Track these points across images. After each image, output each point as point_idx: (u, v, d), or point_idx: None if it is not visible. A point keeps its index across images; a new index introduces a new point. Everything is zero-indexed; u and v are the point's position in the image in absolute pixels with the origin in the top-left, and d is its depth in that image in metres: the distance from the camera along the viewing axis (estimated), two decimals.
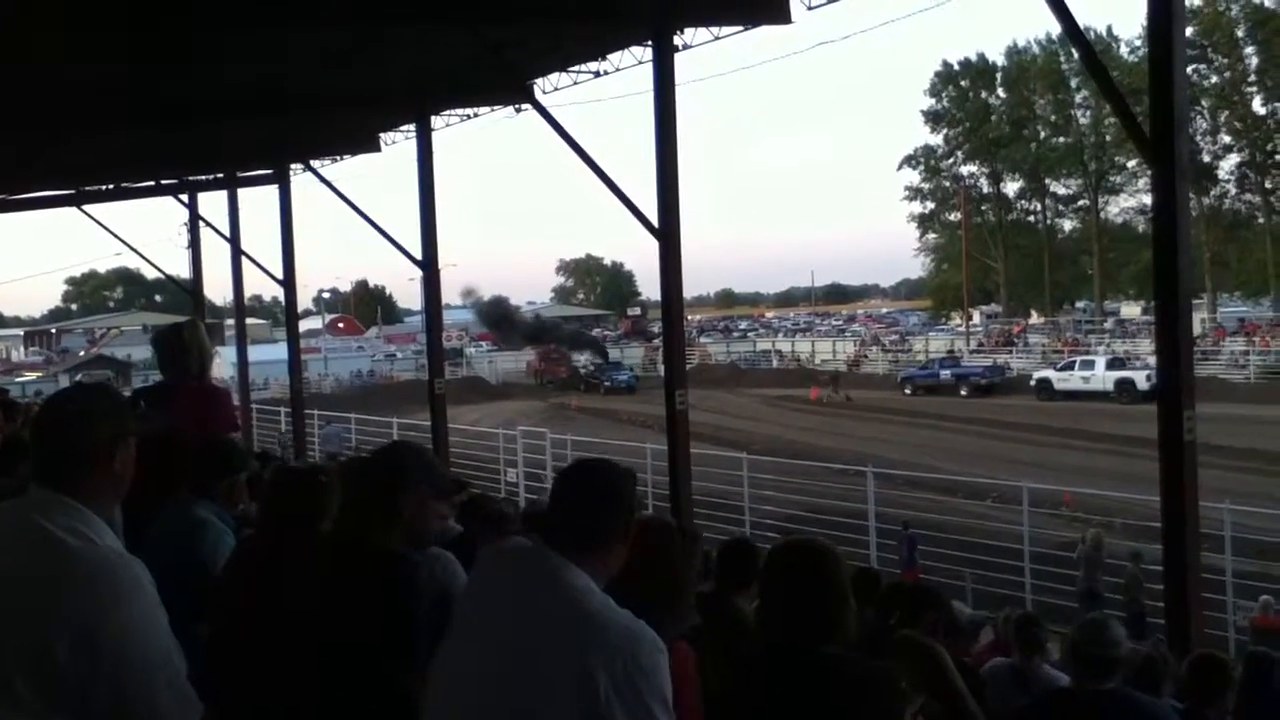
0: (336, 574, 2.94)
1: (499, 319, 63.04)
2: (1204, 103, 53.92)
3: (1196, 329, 40.86)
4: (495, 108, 16.90)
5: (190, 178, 23.19)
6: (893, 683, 2.56)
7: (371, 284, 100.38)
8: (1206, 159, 54.84)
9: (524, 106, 14.93)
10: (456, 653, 2.42)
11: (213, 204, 24.62)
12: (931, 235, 70.65)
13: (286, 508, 3.53)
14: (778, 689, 2.57)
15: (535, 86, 14.25)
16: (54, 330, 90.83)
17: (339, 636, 2.85)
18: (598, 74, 14.61)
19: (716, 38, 12.72)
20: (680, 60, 12.20)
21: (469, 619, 2.45)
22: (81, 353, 72.16)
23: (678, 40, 12.28)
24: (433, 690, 2.46)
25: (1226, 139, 55.90)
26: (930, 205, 68.80)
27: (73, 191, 22.61)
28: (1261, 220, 55.95)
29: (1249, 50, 53.62)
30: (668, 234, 11.84)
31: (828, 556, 2.78)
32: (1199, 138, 53.63)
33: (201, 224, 24.40)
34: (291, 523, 3.47)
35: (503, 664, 2.29)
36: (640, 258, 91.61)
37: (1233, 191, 57.20)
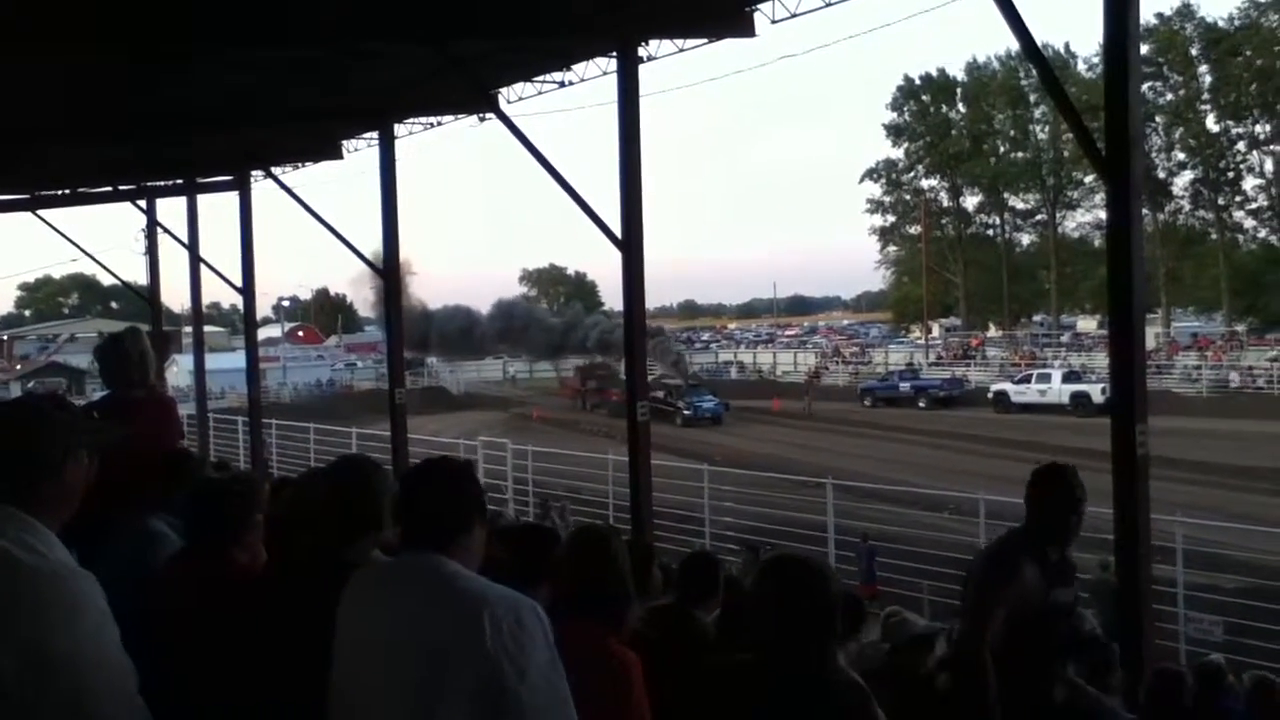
0: (305, 588, 2.91)
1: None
2: (1159, 120, 54.97)
3: (1151, 343, 41.50)
4: (459, 117, 16.85)
5: (148, 184, 22.89)
6: (869, 703, 2.61)
7: (332, 292, 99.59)
8: (1161, 175, 55.87)
9: (488, 116, 14.91)
10: (349, 668, 2.50)
11: (171, 210, 24.35)
12: (892, 248, 71.53)
13: (209, 519, 3.48)
14: (764, 706, 2.61)
15: (500, 96, 14.24)
16: (5, 337, 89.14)
17: (296, 651, 2.82)
18: (562, 84, 14.61)
19: (681, 50, 12.77)
20: (645, 70, 12.25)
21: (353, 631, 2.53)
22: (25, 358, 70.87)
23: (642, 52, 12.31)
24: (335, 705, 2.52)
25: (1181, 156, 57.01)
26: (891, 218, 69.72)
27: (28, 196, 22.26)
28: (1215, 236, 57.00)
29: (1202, 69, 54.78)
30: (630, 244, 11.84)
31: (821, 576, 2.84)
32: (1154, 154, 54.62)
33: (159, 230, 24.09)
34: (213, 534, 3.42)
35: (396, 666, 2.38)
36: (604, 268, 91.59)
37: (1187, 208, 58.30)
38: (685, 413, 41.61)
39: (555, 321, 62.80)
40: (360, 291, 62.66)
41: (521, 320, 59.39)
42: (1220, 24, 53.61)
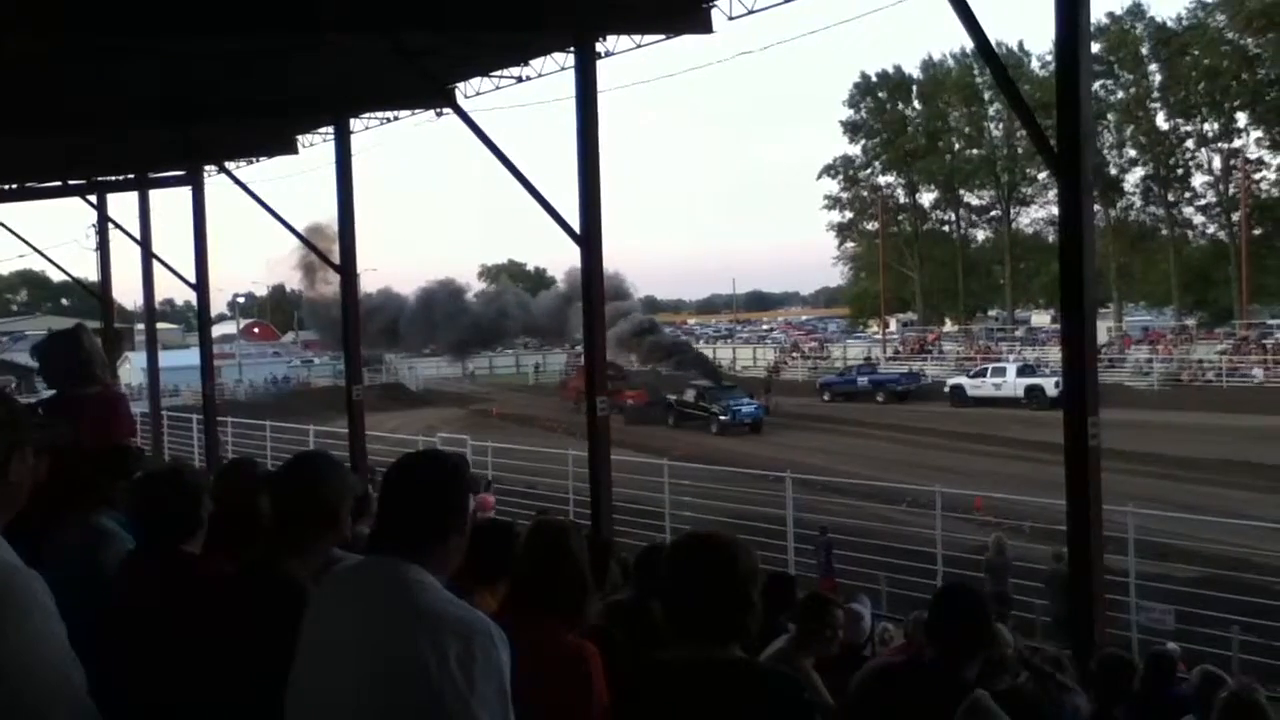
0: (244, 602, 2.87)
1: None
2: (1110, 117, 55.69)
3: (1103, 337, 42.18)
4: (416, 111, 16.74)
5: (99, 179, 22.54)
6: (801, 694, 2.55)
7: (289, 289, 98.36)
8: (1113, 172, 56.60)
9: (445, 110, 14.82)
10: (305, 674, 2.44)
11: (123, 205, 23.96)
12: (850, 244, 71.93)
13: (154, 517, 3.41)
14: (682, 697, 2.51)
15: (457, 91, 14.17)
16: None
17: (239, 663, 2.79)
18: (520, 79, 14.56)
19: (638, 45, 12.78)
20: (603, 66, 12.24)
21: (311, 633, 2.47)
22: None
23: (600, 47, 12.30)
24: (291, 705, 2.46)
25: (1132, 153, 57.77)
26: (849, 215, 70.09)
27: None
28: (1165, 232, 57.88)
29: (1153, 67, 55.55)
30: (590, 240, 11.85)
31: (725, 550, 2.57)
32: (1105, 151, 55.31)
33: (111, 226, 23.71)
34: (161, 533, 3.38)
35: (347, 679, 2.33)
36: (563, 264, 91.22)
37: (1138, 204, 59.14)
38: (721, 418, 36.78)
39: (476, 309, 54.66)
40: (281, 272, 60.10)
41: (442, 310, 53.48)
42: (1169, 24, 54.50)
